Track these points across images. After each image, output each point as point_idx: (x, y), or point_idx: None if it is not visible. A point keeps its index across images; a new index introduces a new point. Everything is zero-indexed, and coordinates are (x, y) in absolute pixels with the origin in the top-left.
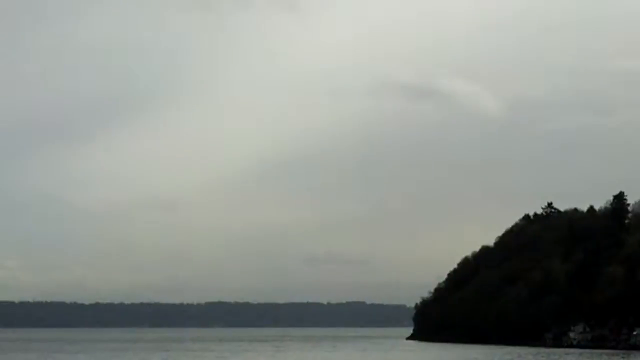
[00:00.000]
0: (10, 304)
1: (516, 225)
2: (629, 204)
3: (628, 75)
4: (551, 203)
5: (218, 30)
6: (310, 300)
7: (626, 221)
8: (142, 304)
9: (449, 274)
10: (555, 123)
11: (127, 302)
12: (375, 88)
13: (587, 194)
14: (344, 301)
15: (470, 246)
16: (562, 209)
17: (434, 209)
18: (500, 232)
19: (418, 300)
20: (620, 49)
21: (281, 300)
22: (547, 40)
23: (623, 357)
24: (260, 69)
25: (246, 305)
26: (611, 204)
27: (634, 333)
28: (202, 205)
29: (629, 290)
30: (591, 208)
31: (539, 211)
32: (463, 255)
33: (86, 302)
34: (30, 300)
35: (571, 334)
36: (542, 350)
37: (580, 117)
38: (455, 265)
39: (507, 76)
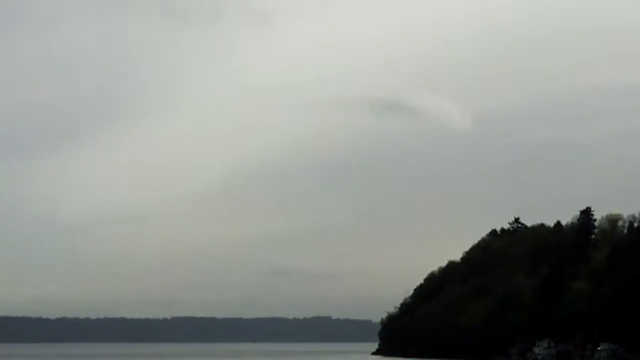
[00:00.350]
0: None
1: (483, 240)
2: (595, 220)
3: (595, 91)
4: (518, 218)
5: (189, 42)
6: (276, 315)
7: (593, 237)
8: (106, 318)
9: (415, 289)
10: (523, 137)
11: (92, 317)
12: (346, 101)
13: (554, 209)
14: (309, 316)
15: (437, 261)
16: (529, 224)
17: (402, 223)
18: (467, 247)
19: (384, 316)
20: (589, 65)
21: (247, 315)
22: (515, 55)
23: None
24: (231, 82)
25: (212, 320)
26: (578, 220)
27: (599, 348)
28: (169, 219)
29: (594, 306)
30: (558, 223)
31: (506, 226)
32: (430, 270)
33: (52, 317)
34: None
35: (536, 349)
36: None
37: (547, 132)
38: (422, 280)
39: (476, 90)
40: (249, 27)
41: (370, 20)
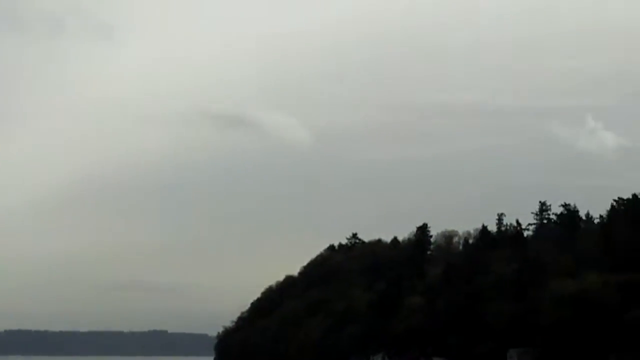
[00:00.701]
0: None
1: (321, 256)
2: (431, 236)
3: (434, 109)
4: (356, 234)
5: (28, 55)
6: (112, 329)
7: (428, 252)
8: None
9: (252, 303)
10: (363, 154)
11: None
12: (188, 116)
13: (391, 225)
14: (146, 330)
15: (275, 276)
16: (366, 239)
17: (241, 237)
18: (305, 262)
19: (220, 330)
20: (430, 84)
21: (82, 328)
22: (357, 71)
23: None
24: (71, 95)
25: (45, 334)
26: (414, 236)
27: None
28: (5, 232)
29: (429, 321)
30: (395, 239)
31: (344, 241)
32: (268, 285)
33: None
34: None
35: None
36: None
37: (387, 149)
38: (259, 295)
39: (318, 107)
40: (90, 41)
41: (212, 36)
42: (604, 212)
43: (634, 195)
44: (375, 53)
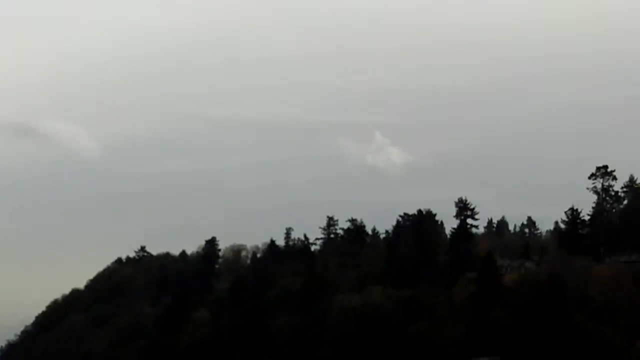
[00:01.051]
0: None
1: (108, 269)
2: (220, 249)
3: (226, 121)
4: (144, 247)
5: None
6: None
7: (217, 266)
8: None
9: (37, 317)
10: (153, 166)
11: None
12: None
13: (180, 239)
14: None
15: (62, 289)
16: (155, 252)
17: (26, 251)
18: (92, 275)
19: (4, 343)
20: (221, 96)
21: None
22: (149, 83)
23: None
24: None
25: None
26: (203, 249)
27: None
28: None
29: (215, 335)
30: (183, 252)
31: (132, 255)
32: (53, 298)
33: None
34: None
35: None
36: None
37: (176, 161)
38: (44, 308)
39: (107, 118)
40: None
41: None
42: (390, 228)
43: (419, 211)
44: (167, 64)
